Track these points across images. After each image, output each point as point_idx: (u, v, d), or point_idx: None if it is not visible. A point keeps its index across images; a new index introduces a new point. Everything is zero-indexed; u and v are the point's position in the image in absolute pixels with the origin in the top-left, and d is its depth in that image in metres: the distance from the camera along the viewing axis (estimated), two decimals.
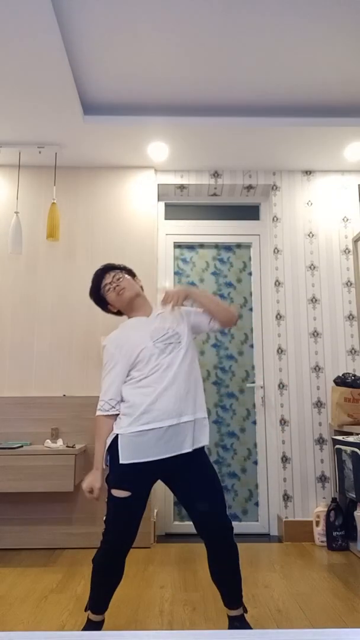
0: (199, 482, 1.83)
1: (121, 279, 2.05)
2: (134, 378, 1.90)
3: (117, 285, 2.02)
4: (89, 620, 1.85)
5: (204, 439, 1.89)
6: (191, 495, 1.82)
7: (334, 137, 3.23)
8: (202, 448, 1.89)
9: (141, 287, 2.13)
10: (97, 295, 2.07)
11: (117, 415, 1.90)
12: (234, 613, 1.83)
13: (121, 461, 1.81)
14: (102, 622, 1.87)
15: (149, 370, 1.88)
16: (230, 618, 1.84)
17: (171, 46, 2.54)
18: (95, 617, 1.84)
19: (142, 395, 1.86)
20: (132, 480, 1.79)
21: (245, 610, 1.86)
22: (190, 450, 1.83)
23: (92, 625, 1.84)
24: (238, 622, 1.83)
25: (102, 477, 1.86)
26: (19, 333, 3.40)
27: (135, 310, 2.06)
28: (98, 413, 1.91)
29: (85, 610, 1.86)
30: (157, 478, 1.87)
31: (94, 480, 1.84)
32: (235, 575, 1.82)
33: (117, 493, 1.78)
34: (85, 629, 1.87)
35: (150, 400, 1.83)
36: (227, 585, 1.83)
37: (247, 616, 2.08)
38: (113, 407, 1.90)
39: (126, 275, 2.08)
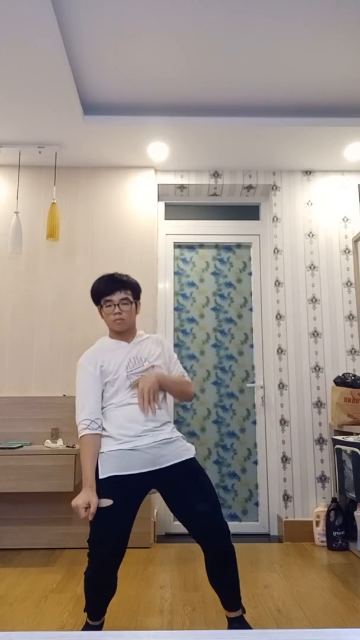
0: (191, 489, 1.82)
1: (124, 312, 2.00)
2: (110, 404, 1.94)
3: (118, 315, 1.99)
4: (87, 623, 1.85)
5: (186, 454, 1.89)
6: (185, 502, 1.80)
7: (334, 137, 3.23)
8: (191, 459, 1.90)
9: (138, 305, 2.11)
10: (95, 300, 2.07)
11: (100, 433, 1.90)
12: (233, 615, 1.83)
13: (101, 476, 1.81)
14: (102, 624, 1.86)
15: (119, 399, 1.92)
16: (230, 619, 1.83)
17: (171, 46, 2.54)
18: (93, 622, 1.84)
19: (118, 425, 1.89)
20: (116, 488, 1.78)
21: (244, 611, 1.86)
22: (170, 464, 1.85)
23: (91, 628, 1.84)
24: (237, 623, 1.83)
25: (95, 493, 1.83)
26: (19, 333, 3.40)
27: (119, 334, 2.06)
28: (85, 432, 1.85)
29: (85, 611, 1.86)
30: (144, 492, 1.84)
31: (91, 495, 1.75)
32: (233, 578, 1.81)
33: (101, 503, 1.76)
34: (83, 630, 1.87)
35: (126, 432, 1.87)
36: (226, 589, 1.81)
37: (247, 616, 2.09)
38: (100, 426, 1.90)
39: (132, 304, 2.04)
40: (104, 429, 1.90)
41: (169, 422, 1.97)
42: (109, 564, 1.73)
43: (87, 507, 1.75)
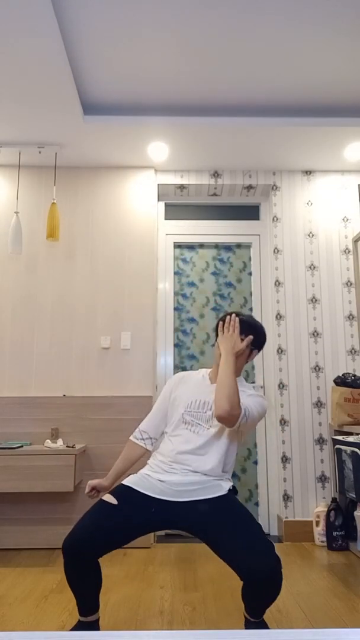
0: (223, 528, 1.63)
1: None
2: (167, 433, 1.93)
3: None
4: (78, 620, 1.79)
5: (214, 492, 1.77)
6: (220, 544, 1.62)
7: (334, 137, 3.23)
8: (220, 496, 1.76)
9: (251, 352, 1.96)
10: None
11: (144, 448, 1.94)
12: (253, 620, 1.73)
13: (123, 482, 1.84)
14: (96, 621, 1.80)
15: (171, 431, 1.91)
16: (249, 622, 1.74)
17: (171, 46, 2.54)
18: (84, 618, 1.78)
19: (160, 454, 1.90)
20: (126, 496, 1.76)
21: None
22: (192, 499, 1.74)
23: (84, 626, 1.79)
24: (254, 626, 1.74)
25: (108, 487, 1.91)
26: (19, 333, 3.40)
27: (216, 373, 1.94)
28: (130, 438, 1.99)
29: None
30: (155, 520, 1.73)
31: (102, 482, 1.90)
32: (270, 603, 1.62)
33: (106, 497, 1.77)
34: (74, 629, 1.84)
35: (160, 463, 1.86)
36: (257, 608, 1.65)
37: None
38: (142, 439, 1.96)
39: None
40: (153, 459, 1.91)
41: (215, 475, 1.81)
42: (81, 549, 1.63)
43: (94, 490, 1.88)
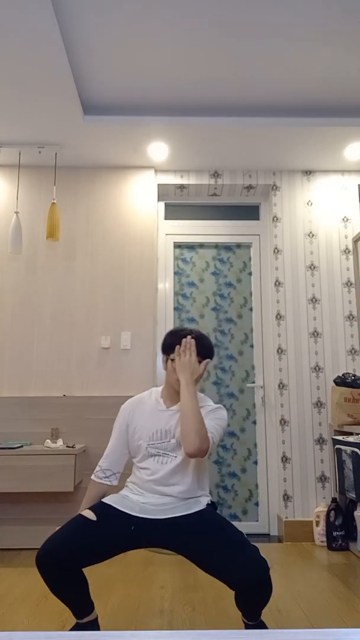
0: (209, 539, 1.61)
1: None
2: (134, 462, 1.89)
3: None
4: (77, 624, 1.78)
5: (194, 507, 1.76)
6: (207, 554, 1.60)
7: (334, 137, 3.23)
8: (199, 511, 1.75)
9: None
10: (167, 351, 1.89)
11: (109, 485, 1.87)
12: (251, 623, 1.74)
13: (104, 500, 1.80)
14: (95, 620, 1.79)
15: (137, 462, 1.86)
16: (248, 625, 1.75)
17: (171, 46, 2.54)
18: (82, 621, 1.76)
19: (136, 483, 1.86)
20: (105, 513, 1.73)
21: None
22: (171, 516, 1.72)
23: (80, 627, 1.78)
24: (253, 628, 1.75)
25: None
26: (19, 333, 3.40)
27: (171, 396, 1.87)
28: (92, 477, 1.90)
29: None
30: (136, 539, 1.71)
31: None
32: (263, 606, 1.63)
33: (85, 513, 1.72)
34: (74, 629, 1.83)
35: (134, 490, 1.84)
36: (252, 612, 1.66)
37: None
38: (107, 477, 1.87)
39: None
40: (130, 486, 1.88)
41: (192, 495, 1.79)
42: (56, 562, 1.57)
43: None
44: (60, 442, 3.05)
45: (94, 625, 1.81)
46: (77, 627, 1.80)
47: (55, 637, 0.66)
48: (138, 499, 1.79)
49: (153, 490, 1.80)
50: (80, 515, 1.71)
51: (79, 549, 1.61)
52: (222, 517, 1.73)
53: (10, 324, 3.41)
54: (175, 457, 1.79)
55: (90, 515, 1.71)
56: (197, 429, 1.65)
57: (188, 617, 2.09)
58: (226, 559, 1.55)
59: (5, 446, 2.95)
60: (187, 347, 1.78)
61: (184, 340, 1.80)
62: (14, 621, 2.06)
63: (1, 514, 3.11)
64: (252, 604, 1.60)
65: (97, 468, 1.90)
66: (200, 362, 1.81)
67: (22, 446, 3.03)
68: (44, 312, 3.44)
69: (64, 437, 3.22)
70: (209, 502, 1.82)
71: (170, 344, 1.84)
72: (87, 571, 2.66)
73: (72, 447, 3.04)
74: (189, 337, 1.80)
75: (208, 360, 1.84)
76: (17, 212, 3.30)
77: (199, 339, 1.83)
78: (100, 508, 1.75)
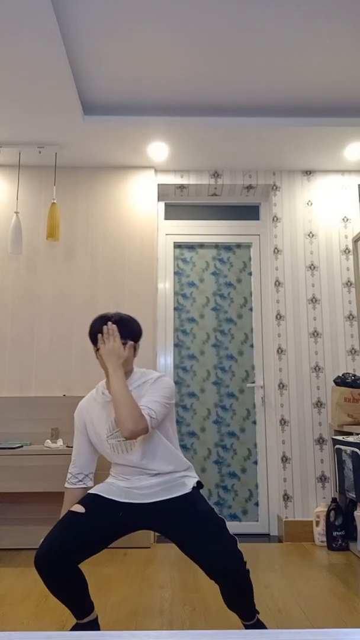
0: (187, 528, 1.68)
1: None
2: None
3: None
4: (77, 624, 1.79)
5: (178, 491, 1.79)
6: (185, 543, 1.67)
7: (334, 137, 3.23)
8: (184, 495, 1.78)
9: (134, 347, 1.87)
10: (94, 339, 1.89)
11: (85, 487, 1.89)
12: (248, 623, 1.77)
13: (91, 491, 1.83)
14: (95, 620, 1.81)
15: (105, 457, 1.89)
16: (246, 626, 1.78)
17: (171, 46, 2.54)
18: (82, 621, 1.77)
19: (114, 477, 1.90)
20: (93, 504, 1.76)
21: (257, 612, 1.84)
22: (156, 500, 1.77)
23: (81, 628, 1.79)
24: (252, 627, 1.77)
25: None
26: (19, 333, 3.40)
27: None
28: (65, 485, 1.91)
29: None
30: (126, 522, 1.76)
31: None
32: (249, 599, 1.68)
33: (74, 507, 1.75)
34: (74, 629, 1.84)
35: (119, 477, 1.87)
36: (242, 610, 1.71)
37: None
38: (80, 480, 1.89)
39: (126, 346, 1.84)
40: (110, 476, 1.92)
41: (172, 470, 1.83)
42: (54, 561, 1.61)
43: None
44: (60, 442, 3.05)
45: (94, 625, 1.82)
46: (77, 627, 1.80)
47: (55, 637, 0.66)
48: (123, 485, 1.82)
49: (134, 473, 1.82)
50: (70, 511, 1.74)
51: (73, 543, 1.64)
52: (204, 504, 1.76)
53: (10, 324, 3.41)
54: (136, 440, 1.80)
55: (79, 508, 1.74)
56: (129, 413, 1.66)
57: (188, 617, 2.09)
58: (204, 548, 1.61)
59: (5, 446, 2.95)
60: (110, 334, 1.78)
61: (104, 327, 1.80)
62: (14, 621, 2.06)
63: (1, 514, 3.11)
64: (236, 598, 1.65)
65: (69, 475, 1.92)
66: (124, 344, 1.81)
67: (22, 446, 3.03)
68: (44, 312, 3.44)
69: (64, 437, 3.22)
70: (195, 485, 1.84)
71: (94, 333, 1.84)
72: (87, 571, 2.67)
73: (72, 447, 3.04)
74: (109, 323, 1.80)
75: (131, 342, 1.83)
76: (17, 212, 3.30)
77: (120, 322, 1.83)
78: (88, 499, 1.79)
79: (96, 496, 1.79)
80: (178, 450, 1.89)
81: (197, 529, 1.66)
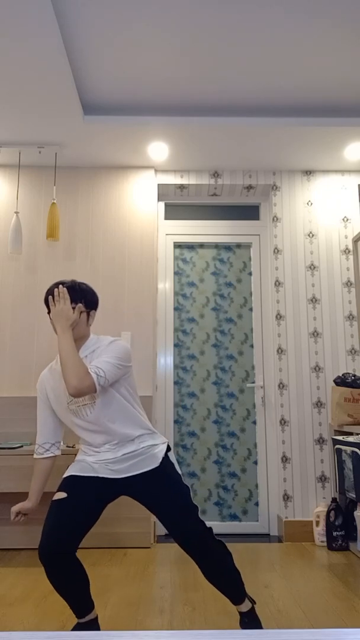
0: (157, 499, 1.80)
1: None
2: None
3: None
4: (78, 623, 1.81)
5: (149, 464, 1.84)
6: (157, 512, 1.80)
7: (334, 137, 3.23)
8: (155, 468, 1.84)
9: (87, 314, 1.91)
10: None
11: (52, 457, 1.94)
12: (241, 609, 1.85)
13: (63, 476, 1.87)
14: (95, 619, 1.82)
15: (72, 428, 1.91)
16: (240, 614, 1.87)
17: (171, 46, 2.54)
18: (83, 620, 1.80)
19: (81, 440, 1.94)
20: (72, 485, 1.80)
21: (253, 602, 1.88)
22: (130, 475, 1.83)
23: (81, 627, 1.80)
24: (247, 618, 1.86)
25: (33, 507, 1.92)
26: (19, 333, 3.40)
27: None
28: (34, 456, 1.96)
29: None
30: (106, 495, 1.83)
31: (24, 504, 1.90)
32: (226, 574, 1.80)
33: (56, 496, 1.79)
34: (74, 629, 1.85)
35: (87, 447, 1.90)
36: (223, 586, 1.82)
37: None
38: (47, 450, 1.94)
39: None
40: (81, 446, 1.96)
41: (138, 435, 1.87)
42: (56, 549, 1.67)
43: (20, 515, 1.90)
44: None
45: (94, 625, 1.82)
46: (78, 627, 1.81)
47: (55, 637, 0.66)
48: (91, 460, 1.86)
49: (96, 446, 1.86)
50: (53, 501, 1.79)
51: (67, 527, 1.70)
52: (173, 475, 1.84)
53: (10, 324, 3.41)
54: (94, 402, 1.83)
55: (60, 495, 1.79)
56: (72, 369, 1.70)
57: (188, 617, 2.09)
58: (170, 514, 1.77)
59: (5, 446, 2.95)
60: (61, 297, 1.83)
61: (55, 290, 1.85)
62: (14, 621, 2.06)
63: (1, 514, 3.11)
64: (210, 570, 1.78)
65: (36, 446, 1.96)
66: (73, 308, 1.85)
67: (22, 446, 3.03)
68: (44, 312, 3.44)
69: (64, 437, 3.22)
70: (164, 456, 1.87)
71: (47, 299, 1.89)
72: (87, 571, 2.67)
73: (72, 447, 3.04)
74: (60, 286, 1.85)
75: (80, 305, 1.87)
76: (17, 212, 3.30)
77: (72, 287, 1.88)
78: (66, 483, 1.82)
79: (72, 477, 1.84)
80: (141, 415, 1.92)
81: (167, 499, 1.80)
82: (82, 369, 1.71)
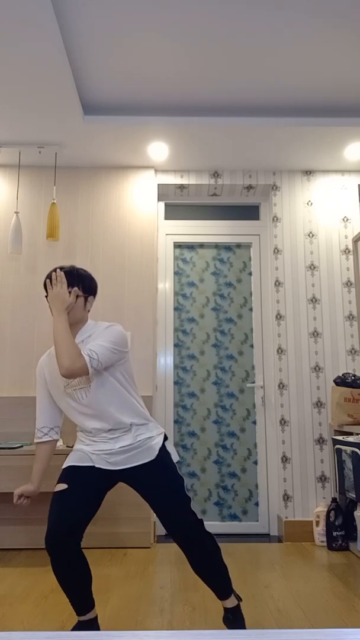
0: (153, 491, 1.83)
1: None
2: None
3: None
4: (78, 621, 1.82)
5: (146, 457, 1.86)
6: (152, 503, 1.83)
7: (334, 137, 3.23)
8: (152, 461, 1.86)
9: (85, 299, 1.93)
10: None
11: (54, 440, 1.97)
12: (226, 605, 1.88)
13: (62, 467, 1.89)
14: (95, 619, 1.83)
15: (68, 413, 1.93)
16: (224, 610, 1.89)
17: (171, 46, 2.54)
18: (81, 618, 1.81)
19: (78, 428, 1.96)
20: (72, 476, 1.83)
21: (239, 599, 1.90)
22: (128, 467, 1.85)
23: (84, 625, 1.82)
24: (230, 614, 1.87)
25: (35, 491, 1.95)
26: (19, 333, 3.40)
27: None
28: (35, 440, 1.98)
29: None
30: (105, 484, 1.86)
31: (27, 487, 1.94)
32: (214, 567, 1.83)
33: (57, 488, 1.82)
34: (74, 629, 1.85)
35: (85, 435, 1.92)
36: (210, 579, 1.84)
37: (247, 615, 2.08)
38: (46, 434, 1.97)
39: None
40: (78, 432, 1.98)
41: (134, 424, 1.87)
42: (62, 539, 1.70)
43: (22, 497, 1.93)
44: (60, 442, 3.05)
45: (94, 625, 1.82)
46: (78, 626, 1.81)
47: (55, 637, 0.66)
48: (89, 450, 1.87)
49: (93, 433, 1.87)
50: (55, 493, 1.81)
51: (70, 517, 1.73)
52: (169, 466, 1.86)
53: (10, 324, 3.41)
54: (89, 386, 1.84)
55: (61, 487, 1.81)
56: (65, 350, 1.72)
57: (188, 617, 2.09)
58: (164, 504, 1.80)
59: (5, 446, 2.95)
60: (58, 280, 1.85)
61: (52, 274, 1.88)
62: (14, 621, 2.06)
63: (1, 514, 3.11)
64: (198, 561, 1.81)
65: (35, 431, 1.98)
66: (70, 292, 1.87)
67: (22, 446, 3.03)
68: (44, 312, 3.44)
69: (64, 437, 3.22)
70: (161, 446, 1.88)
71: (45, 284, 1.92)
72: None
73: (72, 447, 3.04)
74: (58, 270, 1.88)
75: (76, 289, 1.89)
76: (17, 212, 3.30)
77: (70, 272, 1.90)
78: (66, 474, 1.84)
79: (71, 468, 1.85)
80: (138, 403, 1.93)
81: (160, 489, 1.82)
82: (75, 350, 1.72)
